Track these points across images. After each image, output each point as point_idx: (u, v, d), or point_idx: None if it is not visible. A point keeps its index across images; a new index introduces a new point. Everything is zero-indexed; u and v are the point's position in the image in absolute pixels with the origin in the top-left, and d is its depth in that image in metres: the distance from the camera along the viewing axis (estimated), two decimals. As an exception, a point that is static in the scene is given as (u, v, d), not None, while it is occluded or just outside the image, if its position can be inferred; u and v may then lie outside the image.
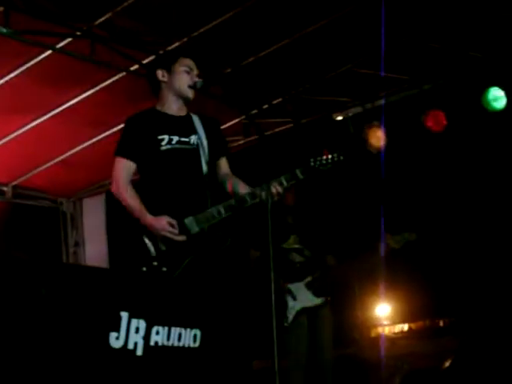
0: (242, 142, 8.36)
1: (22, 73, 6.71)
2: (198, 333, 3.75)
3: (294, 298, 6.04)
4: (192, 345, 3.73)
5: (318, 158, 4.67)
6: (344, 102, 8.07)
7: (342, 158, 4.68)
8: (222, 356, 3.94)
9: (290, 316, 6.00)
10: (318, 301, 6.11)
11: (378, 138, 7.64)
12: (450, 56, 7.11)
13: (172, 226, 4.59)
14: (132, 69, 6.89)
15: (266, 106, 7.99)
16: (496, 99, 7.10)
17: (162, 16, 6.28)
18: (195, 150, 4.80)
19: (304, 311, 6.06)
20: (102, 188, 9.58)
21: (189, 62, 4.87)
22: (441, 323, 7.54)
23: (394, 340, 7.60)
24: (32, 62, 6.61)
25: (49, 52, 6.51)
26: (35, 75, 6.76)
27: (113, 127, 7.73)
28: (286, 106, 8.10)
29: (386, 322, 8.02)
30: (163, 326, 3.58)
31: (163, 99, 4.87)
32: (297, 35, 6.68)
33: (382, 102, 7.72)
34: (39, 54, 6.53)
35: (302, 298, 6.06)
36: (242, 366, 4.12)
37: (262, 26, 6.50)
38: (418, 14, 6.45)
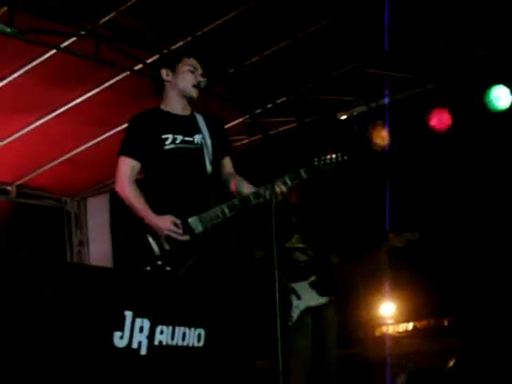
0: (246, 141, 8.35)
1: (26, 72, 6.72)
2: (202, 332, 3.75)
3: (299, 298, 6.03)
4: (196, 344, 3.73)
5: (322, 158, 4.68)
6: (348, 101, 8.07)
7: (346, 157, 4.68)
8: (226, 355, 3.94)
9: (295, 315, 5.99)
10: (322, 300, 6.10)
11: (382, 137, 7.63)
12: (454, 55, 7.10)
13: (176, 225, 4.60)
14: (136, 68, 6.89)
15: (270, 106, 7.99)
16: (498, 99, 7.08)
17: (165, 15, 6.28)
18: (199, 149, 4.80)
19: (308, 310, 6.05)
20: (106, 187, 9.59)
21: (193, 61, 4.88)
22: (445, 322, 7.52)
23: (398, 339, 7.59)
24: (36, 62, 6.61)
25: (53, 51, 6.51)
26: (39, 75, 6.77)
27: (117, 126, 7.73)
28: (290, 106, 8.10)
29: (390, 321, 8.00)
30: (167, 325, 3.58)
31: (167, 98, 4.88)
32: (300, 34, 6.68)
33: (386, 101, 7.71)
34: (43, 54, 6.54)
35: (307, 297, 6.05)
36: (245, 366, 4.11)
37: (265, 25, 6.50)
38: (422, 13, 6.44)
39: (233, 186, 4.86)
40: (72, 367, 3.13)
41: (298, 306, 6.02)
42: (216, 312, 3.96)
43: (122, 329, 3.36)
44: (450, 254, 7.58)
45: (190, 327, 3.69)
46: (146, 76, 5.94)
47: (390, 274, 6.51)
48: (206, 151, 4.82)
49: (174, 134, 4.77)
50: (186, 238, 4.61)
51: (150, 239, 4.63)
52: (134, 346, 3.42)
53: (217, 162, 4.89)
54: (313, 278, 6.09)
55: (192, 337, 3.70)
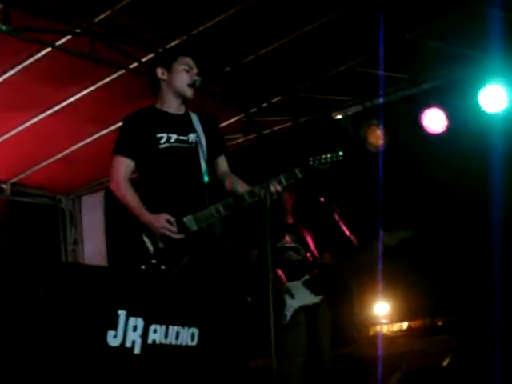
0: (241, 140, 8.35)
1: (21, 70, 6.71)
2: (196, 331, 3.76)
3: (292, 297, 6.05)
4: (190, 343, 3.73)
5: (317, 157, 4.69)
6: (343, 101, 8.07)
7: (341, 156, 4.69)
8: (220, 355, 3.94)
9: (288, 314, 6.01)
10: (316, 299, 6.12)
11: (377, 136, 7.64)
12: (449, 54, 7.10)
13: (171, 223, 4.60)
14: (131, 67, 6.89)
15: (265, 105, 7.98)
16: (492, 100, 7.08)
17: (161, 14, 6.28)
18: (194, 148, 4.81)
19: (302, 309, 6.06)
20: (101, 185, 9.57)
21: (188, 60, 4.88)
22: (439, 322, 7.53)
23: (392, 338, 7.60)
24: (31, 60, 6.60)
25: (48, 49, 6.50)
26: (34, 73, 6.76)
27: (112, 125, 7.72)
28: (286, 105, 8.10)
29: (384, 321, 8.01)
30: (161, 324, 3.58)
31: (162, 97, 4.88)
32: (296, 34, 6.67)
33: (381, 100, 7.71)
34: (38, 52, 6.53)
35: (300, 296, 6.07)
36: (239, 365, 4.12)
37: (261, 24, 6.49)
38: (417, 12, 6.45)
39: (228, 185, 4.87)
40: (66, 366, 3.13)
41: (292, 305, 6.03)
42: (210, 311, 3.96)
43: (115, 328, 3.36)
44: (445, 254, 7.58)
45: (183, 326, 3.69)
46: (141, 75, 5.95)
47: (384, 273, 6.50)
48: (200, 150, 4.82)
49: (168, 132, 4.77)
50: (181, 236, 4.61)
51: (145, 238, 4.63)
52: (128, 345, 3.42)
53: (211, 161, 4.90)
54: (306, 277, 6.11)
55: (186, 336, 3.71)
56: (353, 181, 7.78)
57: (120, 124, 4.99)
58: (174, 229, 4.60)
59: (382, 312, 8.08)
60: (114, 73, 7.05)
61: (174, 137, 4.78)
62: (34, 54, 6.55)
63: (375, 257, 6.09)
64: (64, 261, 9.68)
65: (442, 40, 6.85)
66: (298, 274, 6.12)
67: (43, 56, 6.56)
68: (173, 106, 4.87)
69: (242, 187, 4.76)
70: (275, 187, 4.55)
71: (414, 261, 7.55)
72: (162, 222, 4.58)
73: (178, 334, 3.66)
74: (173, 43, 6.59)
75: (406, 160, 7.65)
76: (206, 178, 4.80)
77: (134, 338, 3.44)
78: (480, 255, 7.22)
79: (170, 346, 3.62)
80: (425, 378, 6.67)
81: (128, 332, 3.41)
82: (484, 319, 6.73)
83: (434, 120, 7.47)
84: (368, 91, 7.77)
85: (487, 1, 6.24)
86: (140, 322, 3.47)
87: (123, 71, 6.98)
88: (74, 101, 7.39)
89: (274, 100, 8.00)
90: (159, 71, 4.86)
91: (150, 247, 4.62)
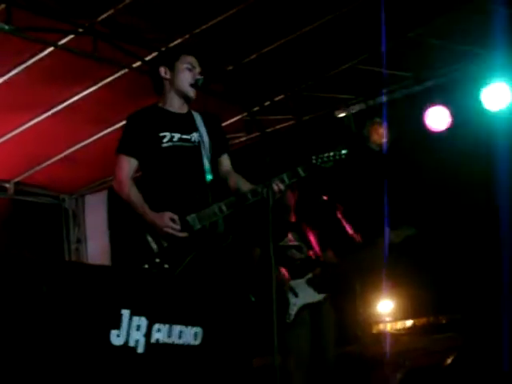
0: (243, 138, 8.35)
1: (24, 70, 6.72)
2: (199, 330, 3.76)
3: (296, 295, 6.04)
4: (193, 342, 3.73)
5: (320, 156, 4.68)
6: (346, 99, 8.07)
7: (344, 155, 4.69)
8: (223, 354, 3.94)
9: (292, 313, 6.01)
10: (319, 297, 6.12)
11: (380, 134, 7.65)
12: (453, 52, 7.09)
13: (174, 222, 4.60)
14: (134, 66, 6.89)
15: (267, 103, 7.98)
16: (495, 98, 7.07)
17: (164, 13, 6.28)
18: (196, 147, 4.81)
19: (306, 307, 6.06)
20: (104, 185, 9.58)
21: (191, 59, 4.88)
22: (443, 320, 7.53)
23: (396, 336, 7.59)
24: (34, 59, 6.61)
25: (51, 49, 6.51)
26: (37, 72, 6.77)
27: (115, 124, 7.73)
28: (288, 103, 8.09)
29: (388, 319, 8.00)
30: (164, 323, 3.58)
31: (165, 96, 4.88)
32: (299, 32, 6.67)
33: (384, 99, 7.71)
34: (41, 51, 6.53)
35: (304, 294, 6.06)
36: (242, 364, 4.12)
37: (264, 23, 6.49)
38: (420, 10, 6.44)
39: (230, 183, 4.87)
40: (69, 365, 3.13)
41: (296, 304, 6.03)
42: (213, 310, 3.96)
43: (118, 327, 3.37)
44: (449, 251, 7.57)
45: (186, 325, 3.69)
46: (144, 74, 5.95)
47: (388, 270, 6.50)
48: (203, 149, 4.82)
49: (171, 131, 4.77)
50: (185, 234, 4.61)
51: (149, 237, 4.63)
52: (131, 344, 3.42)
53: (214, 160, 4.89)
54: (309, 276, 6.10)
55: (189, 335, 3.71)
56: (356, 179, 7.77)
57: (123, 123, 5.00)
58: (178, 227, 4.60)
59: (386, 310, 8.08)
60: (117, 72, 7.05)
61: (176, 136, 4.78)
62: (36, 54, 6.56)
63: (379, 254, 6.09)
64: (67, 260, 9.70)
65: (445, 38, 6.85)
66: (301, 272, 6.12)
67: (46, 55, 6.57)
68: (176, 104, 4.87)
69: (244, 186, 4.76)
70: (278, 186, 4.54)
71: (418, 258, 7.54)
72: (165, 220, 4.59)
73: (181, 333, 3.67)
74: (175, 42, 6.59)
75: (409, 158, 7.65)
76: (209, 177, 4.80)
77: (137, 338, 3.45)
78: (485, 252, 7.22)
79: (173, 345, 3.63)
80: (429, 376, 6.66)
81: (131, 331, 3.42)
82: (488, 317, 6.73)
83: (437, 118, 7.46)
84: (371, 89, 7.77)
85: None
86: (143, 322, 3.48)
87: (126, 70, 6.98)
88: (77, 100, 7.39)
89: (276, 98, 8.00)
90: (162, 70, 4.86)
91: (154, 246, 4.62)
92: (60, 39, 6.40)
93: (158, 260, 4.57)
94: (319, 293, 6.11)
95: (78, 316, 3.21)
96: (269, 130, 7.93)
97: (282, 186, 4.57)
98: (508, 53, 6.86)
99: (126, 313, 3.40)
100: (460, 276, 7.45)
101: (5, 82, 6.86)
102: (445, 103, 7.43)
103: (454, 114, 7.40)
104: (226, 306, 4.14)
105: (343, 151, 4.69)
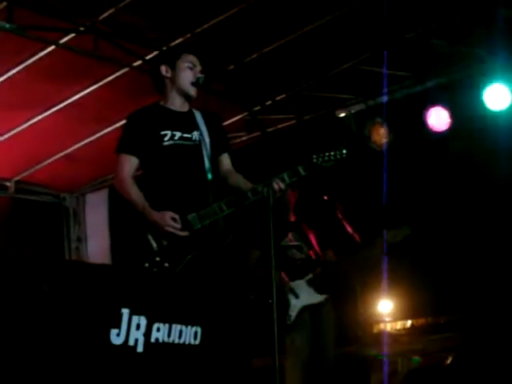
0: (244, 138, 8.36)
1: (25, 68, 6.72)
2: (199, 330, 3.76)
3: (297, 296, 6.04)
4: (193, 342, 3.73)
5: (321, 155, 4.69)
6: (347, 99, 8.06)
7: (344, 154, 4.69)
8: (223, 353, 3.94)
9: (293, 314, 6.00)
10: (320, 298, 6.11)
11: (380, 135, 7.64)
12: (453, 53, 7.10)
13: (175, 221, 4.60)
14: (135, 64, 6.89)
15: (269, 103, 7.98)
16: (496, 99, 7.07)
17: (165, 12, 6.28)
18: (197, 146, 4.81)
19: (306, 308, 6.06)
20: (104, 183, 9.58)
21: (192, 58, 4.89)
22: (442, 320, 7.53)
23: (396, 337, 7.60)
24: (35, 58, 6.61)
25: (52, 47, 6.51)
26: (38, 71, 6.77)
27: (116, 123, 7.72)
28: (289, 103, 8.09)
29: (388, 319, 8.01)
30: (164, 322, 3.58)
31: (166, 95, 4.89)
32: (300, 32, 6.67)
33: (385, 99, 7.70)
34: (42, 50, 6.53)
35: (304, 295, 6.06)
36: (242, 364, 4.12)
37: (265, 22, 6.49)
38: (421, 11, 6.44)
39: (231, 182, 4.88)
40: (69, 364, 3.13)
41: (296, 305, 6.02)
42: (213, 310, 3.96)
43: (118, 326, 3.36)
44: (448, 252, 7.58)
45: (186, 325, 3.69)
46: (144, 72, 5.94)
47: (388, 270, 6.50)
48: (204, 148, 4.83)
49: (172, 130, 4.78)
50: (185, 233, 4.62)
51: (149, 235, 4.64)
52: (131, 343, 3.42)
53: (215, 159, 4.90)
54: (310, 276, 6.10)
55: (188, 334, 3.71)
56: (356, 179, 7.77)
57: (124, 122, 5.00)
58: (179, 226, 4.61)
59: (386, 310, 8.08)
60: (118, 71, 7.05)
61: (177, 134, 4.78)
62: (37, 52, 6.56)
63: (378, 254, 6.09)
64: (68, 259, 9.69)
65: (446, 38, 6.85)
66: (301, 272, 6.11)
67: (47, 54, 6.57)
68: (177, 103, 4.88)
69: (245, 185, 4.77)
70: (278, 185, 4.55)
71: (417, 259, 7.55)
72: (166, 219, 4.59)
73: (180, 332, 3.66)
74: (177, 41, 6.59)
75: (410, 158, 7.64)
76: (210, 176, 4.81)
77: (136, 337, 3.45)
78: (484, 253, 7.22)
79: (172, 344, 3.62)
80: (428, 376, 6.66)
81: (131, 330, 3.42)
82: (487, 317, 6.73)
83: (438, 118, 7.46)
84: (372, 89, 7.76)
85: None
86: (143, 321, 3.47)
87: (127, 69, 6.99)
88: (78, 99, 7.39)
89: (277, 98, 8.00)
90: (163, 69, 4.87)
91: (154, 245, 4.63)
92: (61, 38, 6.41)
93: (158, 259, 4.57)
94: (320, 293, 6.10)
95: (77, 315, 3.21)
96: (270, 129, 7.94)
97: (282, 185, 4.58)
98: (508, 54, 6.86)
99: (125, 312, 3.39)
100: (459, 276, 7.45)
101: (6, 81, 6.86)
102: (445, 104, 7.43)
103: (454, 115, 7.39)
104: (226, 306, 4.14)
105: (344, 151, 4.70)
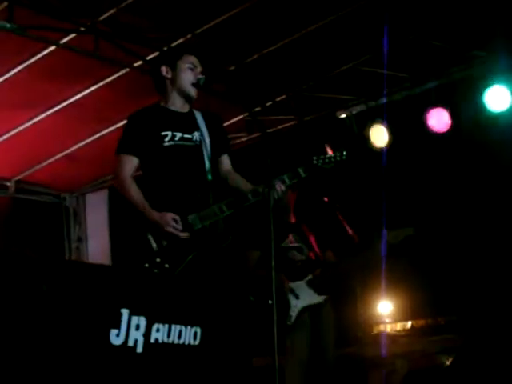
0: (244, 139, 8.35)
1: (25, 68, 6.72)
2: (199, 330, 3.75)
3: (297, 297, 6.04)
4: (192, 342, 3.73)
5: (321, 156, 4.69)
6: (347, 100, 8.06)
7: (345, 156, 4.69)
8: (223, 354, 3.94)
9: (293, 315, 6.00)
10: (320, 299, 6.11)
11: (381, 136, 7.64)
12: (453, 54, 7.10)
13: (176, 221, 4.60)
14: (136, 65, 6.89)
15: (269, 103, 7.98)
16: (496, 100, 7.07)
17: (166, 12, 6.28)
18: (198, 146, 4.81)
19: (306, 309, 6.06)
20: (105, 183, 9.58)
21: (193, 59, 4.89)
22: (442, 321, 7.52)
23: (395, 338, 7.59)
24: (36, 58, 6.61)
25: (52, 47, 6.51)
26: (39, 71, 6.77)
27: (116, 123, 7.73)
28: (290, 104, 8.09)
29: (387, 320, 8.00)
30: (164, 323, 3.58)
31: (167, 95, 4.89)
32: (300, 33, 6.67)
33: (385, 100, 7.70)
34: (43, 50, 6.53)
35: (305, 296, 6.06)
36: (242, 364, 4.12)
37: (265, 23, 6.49)
38: (421, 12, 6.44)
39: (231, 183, 4.88)
40: (68, 364, 3.13)
41: (297, 306, 6.02)
42: (212, 310, 3.96)
43: (118, 326, 3.36)
44: (448, 253, 7.57)
45: (186, 325, 3.69)
46: (145, 73, 5.95)
47: (388, 271, 6.50)
48: (204, 148, 4.83)
49: (173, 131, 4.78)
50: (186, 234, 4.61)
51: (149, 236, 4.63)
52: (130, 343, 3.42)
53: (215, 160, 4.90)
54: (310, 277, 6.10)
55: (188, 335, 3.70)
56: (356, 180, 7.77)
57: (124, 122, 5.00)
58: (180, 227, 4.60)
59: (386, 311, 8.07)
60: (119, 71, 7.05)
61: (178, 135, 4.78)
62: (38, 52, 6.56)
63: (378, 255, 6.09)
64: (67, 259, 9.68)
65: (446, 40, 6.85)
66: (301, 273, 6.12)
67: (47, 54, 6.57)
68: (177, 104, 4.88)
69: (245, 186, 4.77)
70: (279, 186, 4.55)
71: (417, 259, 7.54)
72: (167, 219, 4.59)
73: (180, 332, 3.66)
74: (177, 42, 6.60)
75: (410, 159, 7.64)
76: (210, 177, 4.81)
77: (136, 337, 3.44)
78: (483, 254, 7.22)
79: (172, 344, 3.62)
80: (427, 378, 6.66)
81: (131, 331, 3.41)
82: (487, 318, 6.73)
83: (439, 119, 7.46)
84: (372, 90, 7.77)
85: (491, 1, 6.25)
86: (143, 321, 3.47)
87: (127, 69, 6.99)
88: (79, 99, 7.40)
89: (278, 99, 8.00)
90: (164, 69, 4.87)
91: (154, 245, 4.62)
92: (62, 38, 6.41)
93: (158, 259, 4.57)
94: (319, 294, 6.10)
95: (77, 315, 3.20)
96: (270, 130, 7.94)
97: (282, 187, 4.58)
98: (508, 55, 6.86)
99: (125, 312, 3.39)
100: (459, 277, 7.45)
101: (6, 81, 6.86)
102: (445, 105, 7.43)
103: (454, 116, 7.39)
104: (226, 306, 4.14)
105: (344, 152, 4.70)
